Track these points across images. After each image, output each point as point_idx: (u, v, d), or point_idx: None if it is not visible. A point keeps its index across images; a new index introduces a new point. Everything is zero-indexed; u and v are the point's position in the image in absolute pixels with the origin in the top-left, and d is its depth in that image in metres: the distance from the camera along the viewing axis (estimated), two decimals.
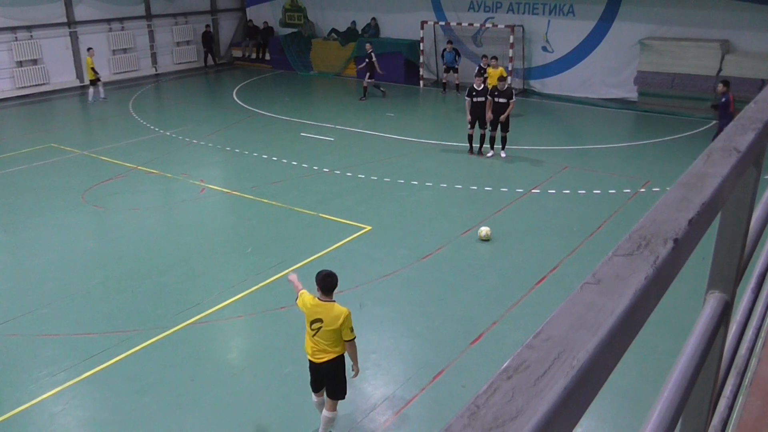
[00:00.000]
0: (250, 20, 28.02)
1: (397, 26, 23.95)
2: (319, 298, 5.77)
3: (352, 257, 9.95)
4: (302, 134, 16.89)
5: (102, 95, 21.05)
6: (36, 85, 22.03)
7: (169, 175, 13.86)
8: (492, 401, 0.63)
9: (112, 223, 11.81)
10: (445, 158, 14.85)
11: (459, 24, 21.96)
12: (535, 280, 9.10)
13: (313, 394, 6.16)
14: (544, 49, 21.11)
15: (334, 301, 5.78)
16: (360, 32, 24.62)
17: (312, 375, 6.01)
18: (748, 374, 1.90)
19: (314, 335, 5.75)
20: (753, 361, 1.95)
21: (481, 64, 17.49)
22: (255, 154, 15.23)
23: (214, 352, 7.81)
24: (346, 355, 5.91)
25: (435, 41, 23.03)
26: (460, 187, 12.90)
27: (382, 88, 21.11)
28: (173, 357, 7.56)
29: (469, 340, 7.69)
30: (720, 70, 17.64)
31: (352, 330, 5.74)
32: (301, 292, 5.98)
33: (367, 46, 20.84)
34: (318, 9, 26.18)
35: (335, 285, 5.77)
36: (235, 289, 9.02)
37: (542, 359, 0.68)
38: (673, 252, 0.92)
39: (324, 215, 11.52)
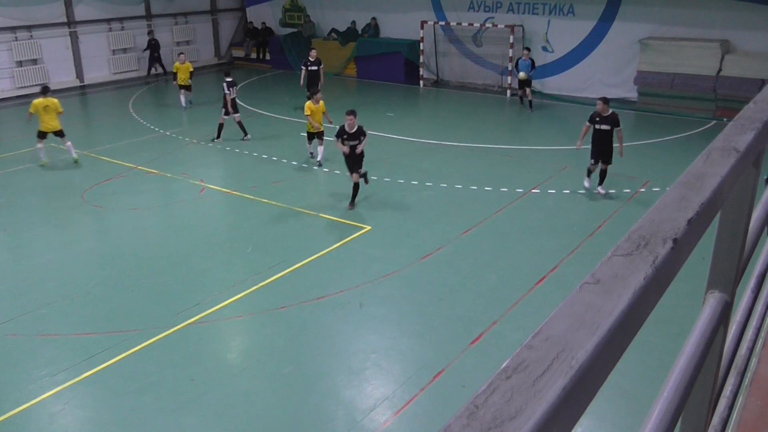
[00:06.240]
0: (250, 22, 28.01)
1: (397, 26, 23.95)
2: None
3: (352, 257, 9.95)
4: (302, 134, 16.86)
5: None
6: (36, 85, 21.98)
7: (169, 175, 13.85)
8: (491, 401, 0.63)
9: (112, 222, 11.81)
10: (445, 158, 14.85)
11: (459, 24, 21.97)
12: (534, 280, 9.09)
13: None
14: (544, 49, 21.10)
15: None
16: (360, 32, 24.63)
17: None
18: (748, 374, 1.90)
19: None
20: (753, 361, 1.95)
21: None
22: (255, 154, 15.22)
23: (214, 352, 7.80)
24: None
25: (435, 41, 23.03)
26: (460, 187, 12.89)
27: (246, 135, 16.29)
28: (173, 357, 7.56)
29: (468, 340, 7.69)
30: (720, 70, 17.64)
31: None
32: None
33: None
34: (318, 9, 26.18)
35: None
36: (235, 289, 9.02)
37: (541, 359, 0.68)
38: (672, 252, 0.92)
39: (324, 215, 11.52)
